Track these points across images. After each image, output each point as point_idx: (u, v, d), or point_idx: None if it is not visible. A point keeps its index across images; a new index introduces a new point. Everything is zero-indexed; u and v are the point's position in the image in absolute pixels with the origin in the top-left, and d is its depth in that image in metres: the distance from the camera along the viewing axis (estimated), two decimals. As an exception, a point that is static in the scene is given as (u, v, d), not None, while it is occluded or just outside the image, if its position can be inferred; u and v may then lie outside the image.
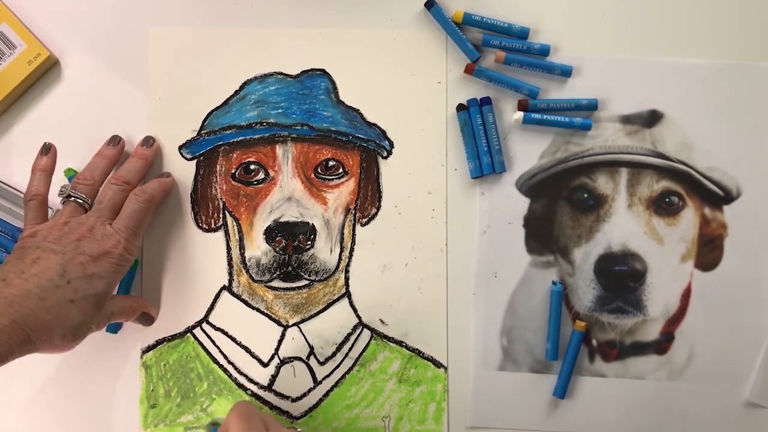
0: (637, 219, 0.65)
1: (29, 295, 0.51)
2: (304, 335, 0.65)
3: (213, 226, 0.66)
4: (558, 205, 0.65)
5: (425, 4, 0.65)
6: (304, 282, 0.65)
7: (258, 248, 0.65)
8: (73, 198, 0.60)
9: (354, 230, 0.66)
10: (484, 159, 0.65)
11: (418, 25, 0.66)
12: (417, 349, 0.65)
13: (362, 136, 0.66)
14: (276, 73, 0.67)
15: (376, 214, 0.66)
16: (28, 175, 0.65)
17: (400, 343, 0.65)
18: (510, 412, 0.65)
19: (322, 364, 0.65)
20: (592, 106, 0.65)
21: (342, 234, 0.65)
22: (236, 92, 0.66)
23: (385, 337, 0.65)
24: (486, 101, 0.65)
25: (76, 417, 0.66)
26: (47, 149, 0.63)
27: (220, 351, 0.65)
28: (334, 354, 0.65)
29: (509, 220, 0.66)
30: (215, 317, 0.66)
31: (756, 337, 0.65)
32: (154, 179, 0.64)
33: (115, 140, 0.65)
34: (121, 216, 0.59)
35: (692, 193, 0.65)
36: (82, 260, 0.55)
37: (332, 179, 0.66)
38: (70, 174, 0.65)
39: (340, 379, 0.65)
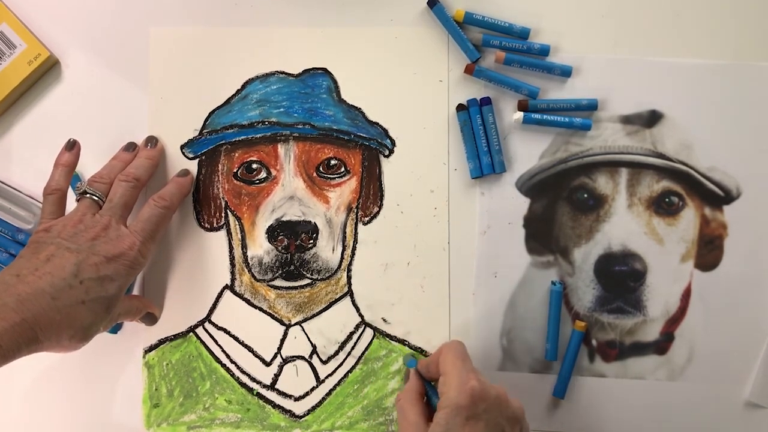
0: (637, 219, 0.65)
1: (42, 294, 0.51)
2: (306, 334, 0.65)
3: (215, 225, 0.66)
4: (558, 205, 0.66)
5: (428, 3, 0.65)
6: (306, 281, 0.65)
7: (260, 247, 0.65)
8: (89, 194, 0.59)
9: (356, 229, 0.66)
10: (484, 159, 0.65)
11: (420, 23, 0.66)
12: (419, 348, 0.65)
13: (364, 135, 0.66)
14: (277, 72, 0.66)
15: (378, 212, 0.66)
16: (28, 175, 0.65)
17: (402, 341, 0.65)
18: (510, 411, 0.66)
19: (324, 362, 0.65)
20: (592, 106, 0.65)
21: (344, 233, 0.66)
22: (238, 91, 0.66)
23: (388, 335, 0.66)
24: (486, 101, 0.65)
25: (78, 417, 0.66)
26: (71, 145, 0.62)
27: (223, 350, 0.66)
28: (336, 353, 0.65)
29: (509, 220, 0.66)
30: (218, 316, 0.66)
31: (756, 337, 0.65)
32: (171, 181, 0.64)
33: (131, 147, 0.65)
34: (139, 219, 0.59)
35: (692, 193, 0.65)
36: (96, 261, 0.55)
37: (334, 178, 0.66)
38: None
39: (342, 378, 0.65)
